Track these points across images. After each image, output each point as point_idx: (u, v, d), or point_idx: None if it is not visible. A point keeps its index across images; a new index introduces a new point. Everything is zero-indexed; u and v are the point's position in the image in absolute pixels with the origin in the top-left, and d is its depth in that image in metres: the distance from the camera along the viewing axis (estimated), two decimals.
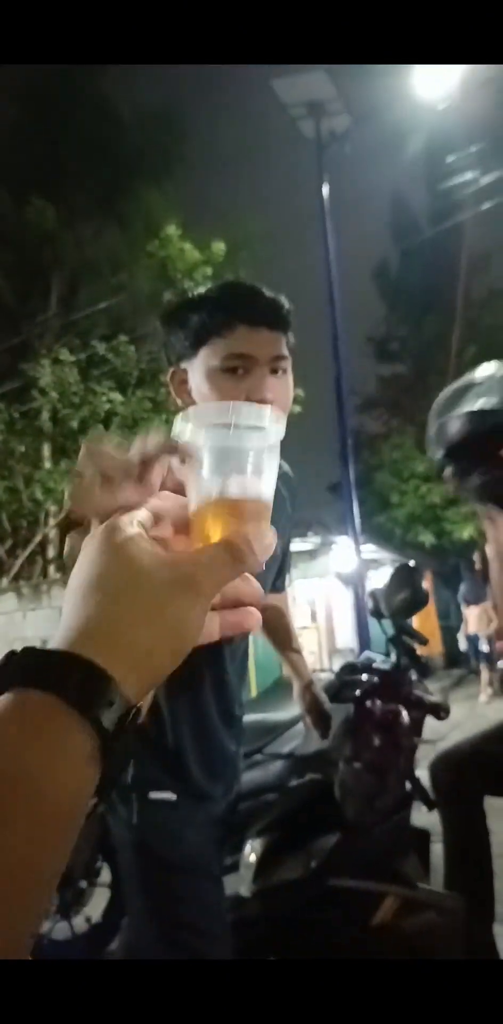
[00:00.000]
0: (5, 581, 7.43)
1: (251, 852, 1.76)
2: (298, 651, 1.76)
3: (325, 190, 8.43)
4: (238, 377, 1.15)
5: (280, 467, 0.67)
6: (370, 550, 11.40)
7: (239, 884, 1.79)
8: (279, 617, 1.72)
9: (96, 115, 12.71)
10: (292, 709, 3.18)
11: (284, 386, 1.20)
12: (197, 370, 1.18)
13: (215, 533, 0.46)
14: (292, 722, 3.11)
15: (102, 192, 12.81)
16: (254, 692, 7.95)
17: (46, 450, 8.29)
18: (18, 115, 13.16)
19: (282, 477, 1.26)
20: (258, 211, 11.57)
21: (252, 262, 10.23)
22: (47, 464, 8.10)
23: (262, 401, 1.13)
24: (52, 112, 12.70)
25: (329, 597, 12.57)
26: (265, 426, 0.49)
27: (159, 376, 7.78)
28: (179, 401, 1.25)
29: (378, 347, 19.69)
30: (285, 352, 1.19)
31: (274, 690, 3.78)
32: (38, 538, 7.51)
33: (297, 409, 8.29)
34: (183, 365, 1.21)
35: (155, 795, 1.30)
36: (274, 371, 1.17)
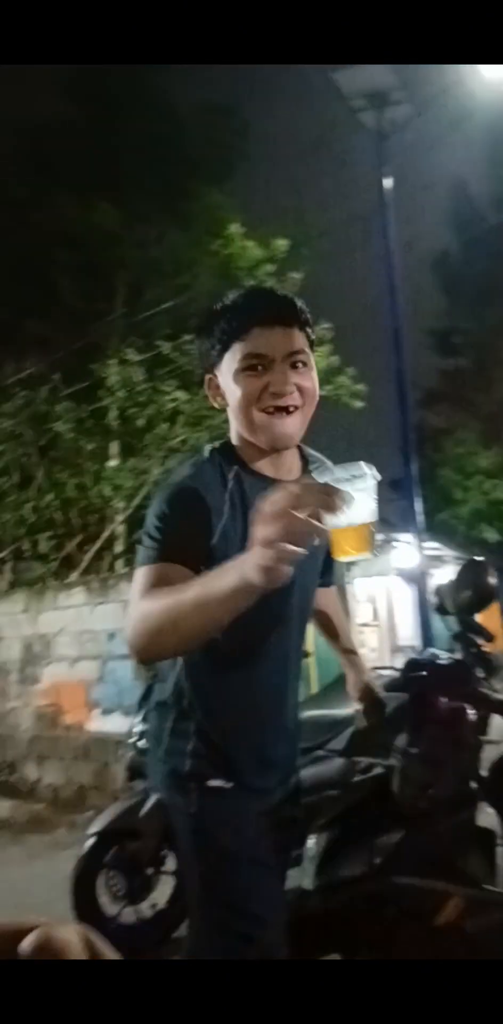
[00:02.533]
0: (74, 575, 7.67)
1: (314, 847, 1.78)
2: (351, 644, 1.78)
3: (387, 182, 8.31)
4: (258, 374, 1.22)
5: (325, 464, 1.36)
6: (432, 547, 11.19)
7: (302, 878, 1.81)
8: (331, 612, 1.74)
9: (157, 115, 12.90)
10: (353, 705, 3.18)
11: (307, 378, 1.26)
12: (225, 373, 1.27)
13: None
14: (354, 718, 3.11)
15: (164, 193, 12.98)
16: (315, 688, 7.93)
17: (114, 448, 8.50)
18: (80, 117, 13.49)
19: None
20: (319, 205, 11.51)
21: (314, 257, 10.18)
22: (115, 461, 8.30)
23: (281, 394, 1.21)
24: (113, 114, 12.97)
25: (390, 594, 12.40)
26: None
27: None
28: (215, 404, 1.34)
29: (440, 340, 19.28)
30: (302, 347, 1.25)
31: (335, 686, 3.77)
32: (106, 534, 7.71)
33: (359, 404, 8.21)
34: (215, 371, 1.30)
35: (212, 783, 1.34)
36: (294, 365, 1.23)
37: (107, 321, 11.47)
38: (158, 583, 1.13)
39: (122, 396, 7.81)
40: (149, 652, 1.16)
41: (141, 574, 1.18)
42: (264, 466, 1.30)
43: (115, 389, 7.80)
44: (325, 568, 1.52)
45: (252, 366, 1.22)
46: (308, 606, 1.46)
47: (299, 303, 1.28)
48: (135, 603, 1.14)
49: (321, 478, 0.95)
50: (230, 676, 1.35)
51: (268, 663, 1.37)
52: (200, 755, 1.35)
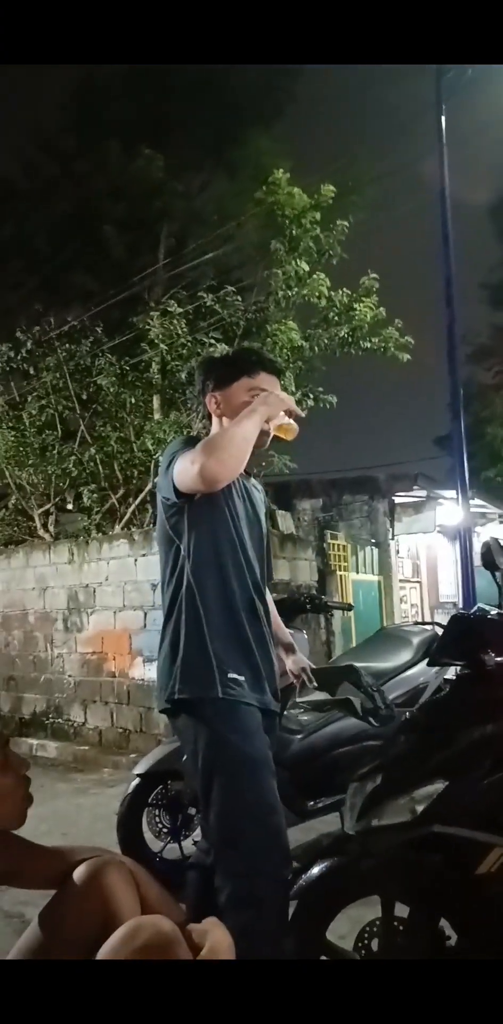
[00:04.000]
0: (117, 528, 7.79)
1: (355, 794, 1.80)
2: (286, 638, 2.23)
3: (443, 121, 7.95)
4: None
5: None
6: (477, 505, 10.99)
7: (343, 823, 1.83)
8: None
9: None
10: (393, 659, 3.18)
11: None
12: (232, 394, 1.96)
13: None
14: (394, 671, 3.11)
15: (211, 139, 12.68)
16: (354, 641, 7.96)
17: (156, 401, 8.52)
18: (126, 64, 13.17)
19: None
20: (371, 148, 11.04)
21: (364, 205, 9.86)
22: (157, 415, 8.32)
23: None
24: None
25: (433, 551, 12.28)
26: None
27: (265, 327, 7.74)
28: (212, 413, 2.00)
29: (493, 293, 18.61)
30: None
31: (375, 640, 3.77)
32: (149, 487, 7.77)
33: (406, 357, 7.99)
34: (219, 392, 1.98)
35: (231, 675, 1.77)
36: None
37: (149, 273, 11.39)
38: None
39: (164, 349, 7.78)
40: (228, 464, 1.72)
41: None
42: None
43: (157, 342, 7.78)
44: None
45: (257, 395, 1.91)
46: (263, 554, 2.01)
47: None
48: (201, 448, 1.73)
49: None
50: (218, 583, 1.83)
51: (243, 591, 1.86)
52: (220, 650, 1.76)
